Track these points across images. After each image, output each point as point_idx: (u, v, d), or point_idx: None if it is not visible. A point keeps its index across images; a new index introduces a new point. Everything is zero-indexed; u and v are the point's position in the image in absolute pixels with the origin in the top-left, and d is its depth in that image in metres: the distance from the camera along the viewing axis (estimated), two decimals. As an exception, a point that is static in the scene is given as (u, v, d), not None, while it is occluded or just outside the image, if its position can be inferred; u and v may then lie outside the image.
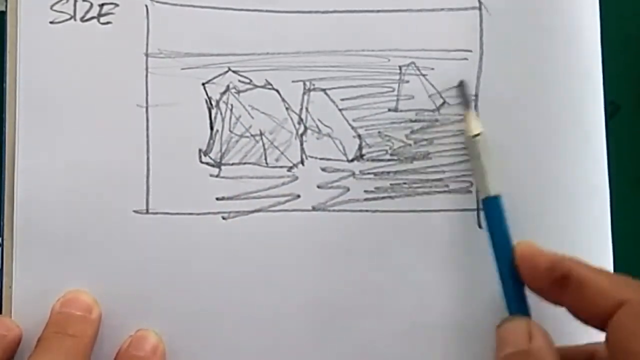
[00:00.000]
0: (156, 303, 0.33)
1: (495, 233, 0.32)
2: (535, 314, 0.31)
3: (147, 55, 0.34)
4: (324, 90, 0.35)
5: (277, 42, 0.35)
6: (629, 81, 0.37)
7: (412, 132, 0.35)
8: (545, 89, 0.35)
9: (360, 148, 0.35)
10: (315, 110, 0.35)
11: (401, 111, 0.35)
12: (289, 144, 0.35)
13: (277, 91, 0.35)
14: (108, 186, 0.34)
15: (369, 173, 0.35)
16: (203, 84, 0.34)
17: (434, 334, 0.34)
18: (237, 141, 0.35)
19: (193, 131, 0.34)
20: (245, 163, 0.35)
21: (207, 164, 0.34)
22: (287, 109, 0.35)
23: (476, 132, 0.33)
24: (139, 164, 0.34)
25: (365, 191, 0.35)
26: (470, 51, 0.35)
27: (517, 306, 0.32)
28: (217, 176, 0.34)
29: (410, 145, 0.35)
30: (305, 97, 0.35)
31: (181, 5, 0.34)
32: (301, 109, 0.35)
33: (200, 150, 0.34)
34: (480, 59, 0.35)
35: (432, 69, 0.35)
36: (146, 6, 0.34)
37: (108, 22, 0.34)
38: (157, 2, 0.34)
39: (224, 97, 0.35)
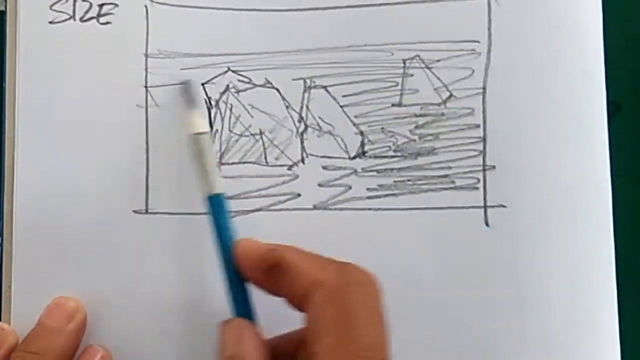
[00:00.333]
0: (156, 303, 0.33)
1: (219, 232, 0.31)
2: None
3: (146, 55, 0.34)
4: (324, 87, 0.34)
5: (277, 40, 0.34)
6: (630, 81, 0.36)
7: (417, 127, 0.34)
8: (550, 83, 0.33)
9: (362, 145, 0.34)
10: (316, 108, 0.34)
11: (405, 106, 0.34)
12: (290, 143, 0.34)
13: (277, 90, 0.34)
14: (108, 186, 0.33)
15: (371, 170, 0.34)
16: (202, 84, 0.34)
17: (437, 333, 0.32)
18: (236, 140, 0.34)
19: (193, 131, 0.34)
20: (245, 162, 0.34)
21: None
22: (287, 107, 0.34)
23: (201, 131, 0.32)
24: (139, 164, 0.34)
25: (368, 189, 0.33)
26: (478, 42, 0.34)
27: (239, 307, 0.31)
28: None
29: (414, 140, 0.34)
30: (306, 94, 0.34)
31: (180, 5, 0.34)
32: (301, 107, 0.34)
33: (200, 150, 0.34)
34: (489, 50, 0.34)
35: (438, 61, 0.34)
36: (146, 7, 0.34)
37: (107, 22, 0.34)
38: (156, 2, 0.34)
39: (224, 97, 0.34)
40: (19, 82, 0.34)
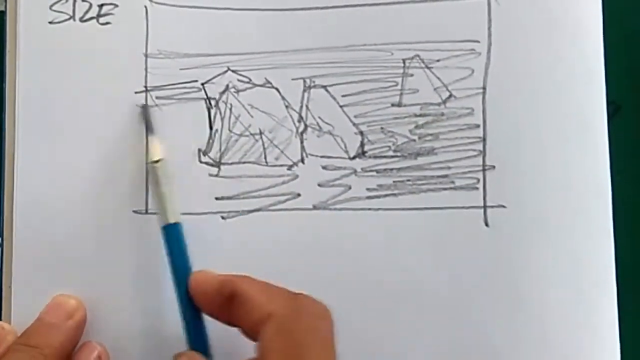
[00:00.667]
0: (155, 303, 0.33)
1: (174, 262, 0.31)
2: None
3: (146, 55, 0.34)
4: (324, 87, 0.34)
5: (276, 40, 0.34)
6: (630, 81, 0.36)
7: (417, 127, 0.34)
8: (550, 83, 0.33)
9: (362, 145, 0.34)
10: (315, 108, 0.34)
11: (405, 106, 0.34)
12: (289, 142, 0.34)
13: (277, 89, 0.34)
14: (107, 186, 0.33)
15: (371, 170, 0.34)
16: (202, 84, 0.34)
17: (437, 333, 0.32)
18: (236, 140, 0.34)
19: (192, 131, 0.34)
20: (244, 162, 0.34)
21: (207, 163, 0.34)
22: (286, 107, 0.34)
23: (157, 159, 0.32)
24: (139, 164, 0.34)
25: (368, 189, 0.33)
26: (478, 42, 0.34)
27: (192, 339, 0.31)
28: (216, 176, 0.34)
29: (414, 140, 0.34)
30: (306, 94, 0.34)
31: (180, 5, 0.34)
32: (301, 106, 0.34)
33: (199, 150, 0.34)
34: (489, 50, 0.34)
35: (438, 60, 0.34)
36: (145, 7, 0.34)
37: (107, 23, 0.34)
38: (156, 2, 0.34)
39: (223, 97, 0.34)
40: (19, 82, 0.34)
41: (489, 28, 0.34)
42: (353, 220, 0.33)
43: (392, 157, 0.34)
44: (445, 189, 0.33)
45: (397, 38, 0.34)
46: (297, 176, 0.34)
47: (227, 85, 0.34)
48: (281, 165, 0.34)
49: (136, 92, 0.34)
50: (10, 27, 0.34)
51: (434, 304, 0.32)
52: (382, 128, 0.34)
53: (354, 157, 0.34)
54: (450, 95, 0.34)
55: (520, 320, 0.32)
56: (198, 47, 0.34)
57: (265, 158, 0.34)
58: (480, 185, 0.33)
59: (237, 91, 0.34)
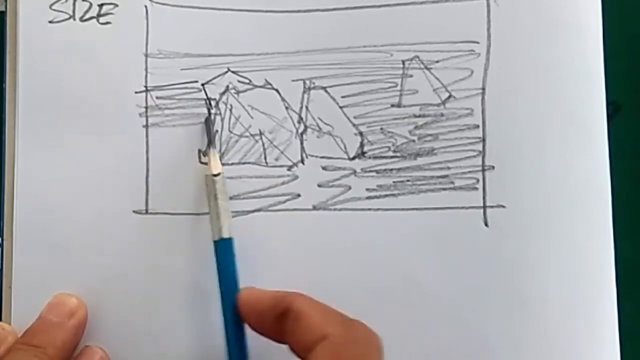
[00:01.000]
0: (155, 303, 0.33)
1: (223, 278, 0.32)
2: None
3: (146, 55, 0.34)
4: (324, 88, 0.34)
5: (277, 41, 0.34)
6: (630, 81, 0.36)
7: (416, 127, 0.34)
8: (549, 83, 0.33)
9: (362, 145, 0.34)
10: (315, 109, 0.34)
11: (404, 106, 0.34)
12: (289, 143, 0.34)
13: (277, 90, 0.34)
14: (107, 186, 0.33)
15: (371, 171, 0.34)
16: (202, 85, 0.34)
17: (437, 334, 0.32)
18: (236, 141, 0.34)
19: (192, 131, 0.34)
20: (244, 163, 0.34)
21: (207, 164, 0.34)
22: (286, 108, 0.34)
23: (217, 172, 0.32)
24: (139, 165, 0.34)
25: (367, 189, 0.33)
26: (478, 42, 0.34)
27: (235, 354, 0.31)
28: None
29: (414, 141, 0.34)
30: (305, 95, 0.34)
31: (180, 5, 0.34)
32: (301, 107, 0.34)
33: (199, 151, 0.34)
34: (488, 50, 0.34)
35: (437, 61, 0.34)
36: (145, 7, 0.34)
37: (107, 22, 0.34)
38: (156, 2, 0.34)
39: (224, 98, 0.34)
40: (19, 82, 0.34)
41: (488, 29, 0.34)
42: (353, 220, 0.33)
43: (392, 157, 0.34)
44: (444, 189, 0.33)
45: (396, 39, 0.34)
46: (297, 177, 0.34)
47: (227, 86, 0.34)
48: (281, 166, 0.34)
49: (136, 92, 0.34)
50: (10, 27, 0.34)
51: (433, 304, 0.32)
52: (381, 129, 0.34)
53: (353, 158, 0.34)
54: (450, 96, 0.34)
55: (520, 320, 0.32)
56: (198, 48, 0.34)
57: (265, 159, 0.34)
58: (480, 186, 0.33)
59: (237, 92, 0.34)
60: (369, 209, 0.33)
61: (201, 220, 0.33)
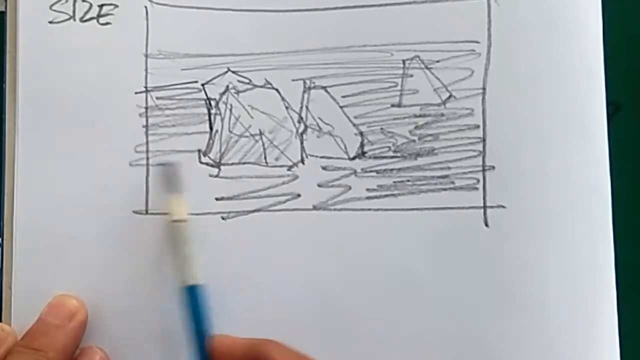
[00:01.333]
0: (155, 303, 0.33)
1: (193, 325, 0.31)
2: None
3: (146, 56, 0.34)
4: (324, 88, 0.34)
5: (276, 41, 0.34)
6: (630, 81, 0.36)
7: (417, 127, 0.34)
8: (549, 83, 0.33)
9: (362, 145, 0.34)
10: (315, 109, 0.34)
11: (405, 106, 0.34)
12: (289, 143, 0.34)
13: (277, 90, 0.34)
14: (107, 186, 0.33)
15: (371, 171, 0.34)
16: (202, 85, 0.34)
17: (437, 334, 0.32)
18: (236, 141, 0.34)
19: (192, 132, 0.34)
20: (244, 163, 0.34)
21: (207, 164, 0.34)
22: (286, 107, 0.34)
23: (179, 218, 0.32)
24: (139, 164, 0.34)
25: (367, 189, 0.33)
26: (478, 42, 0.34)
27: None
28: (216, 176, 0.34)
29: (414, 141, 0.34)
30: (305, 95, 0.34)
31: (180, 6, 0.34)
32: (301, 107, 0.34)
33: (199, 151, 0.34)
34: (489, 50, 0.34)
35: (438, 61, 0.34)
36: (145, 7, 0.34)
37: (107, 23, 0.34)
38: (156, 3, 0.34)
39: (224, 98, 0.34)
40: (19, 82, 0.34)
41: (489, 29, 0.34)
42: (353, 220, 0.33)
43: (392, 157, 0.34)
44: (445, 189, 0.33)
45: (396, 39, 0.34)
46: (297, 177, 0.34)
47: (228, 86, 0.34)
48: (281, 166, 0.34)
49: (136, 93, 0.34)
50: (10, 27, 0.34)
51: (433, 304, 0.32)
52: (382, 129, 0.34)
53: (353, 158, 0.34)
54: (450, 96, 0.34)
55: (520, 320, 0.32)
56: (198, 48, 0.34)
57: (265, 159, 0.34)
58: (480, 186, 0.33)
59: (238, 92, 0.34)
60: (369, 209, 0.33)
61: (201, 220, 0.33)
